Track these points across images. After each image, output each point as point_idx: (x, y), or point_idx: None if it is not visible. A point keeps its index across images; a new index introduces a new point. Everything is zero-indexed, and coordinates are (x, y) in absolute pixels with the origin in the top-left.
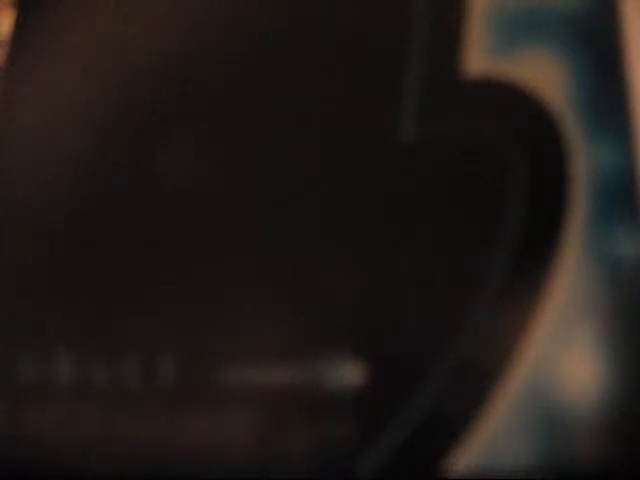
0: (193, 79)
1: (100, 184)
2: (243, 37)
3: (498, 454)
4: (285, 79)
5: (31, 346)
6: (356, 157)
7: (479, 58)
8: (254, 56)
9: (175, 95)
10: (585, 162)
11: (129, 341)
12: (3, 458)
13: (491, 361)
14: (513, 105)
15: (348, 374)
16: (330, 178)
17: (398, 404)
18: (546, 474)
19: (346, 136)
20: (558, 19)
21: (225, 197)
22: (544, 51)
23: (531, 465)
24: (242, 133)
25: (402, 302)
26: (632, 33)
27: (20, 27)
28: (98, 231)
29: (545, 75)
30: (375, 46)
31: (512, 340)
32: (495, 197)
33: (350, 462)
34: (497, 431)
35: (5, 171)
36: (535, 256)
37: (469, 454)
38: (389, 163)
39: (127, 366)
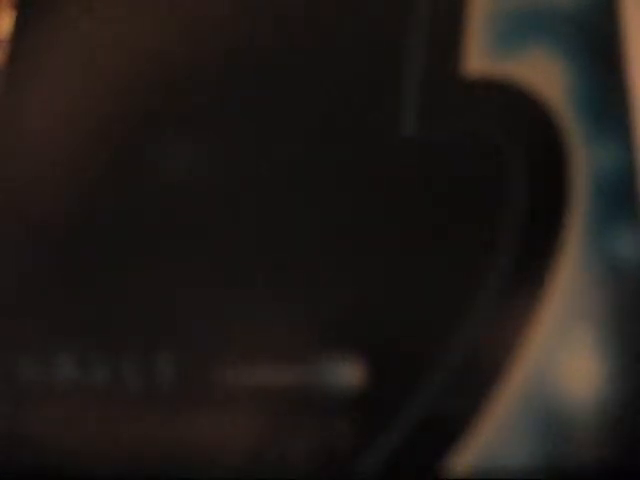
0: (194, 77)
1: (100, 184)
2: (243, 36)
3: (498, 454)
4: (286, 77)
5: (31, 346)
6: (356, 156)
7: (479, 58)
8: (255, 55)
9: (177, 93)
10: (585, 162)
11: (129, 341)
12: (4, 458)
13: (491, 361)
14: (513, 105)
15: (348, 374)
16: (330, 177)
17: (398, 404)
18: (546, 474)
19: (346, 135)
20: (558, 19)
21: (225, 197)
22: (544, 51)
23: (531, 465)
24: (242, 130)
25: (402, 302)
26: (632, 33)
27: (20, 27)
28: (98, 231)
29: (545, 75)
30: (375, 45)
31: (512, 340)
32: (495, 197)
33: (350, 462)
34: (497, 431)
35: (5, 171)
36: (535, 256)
37: (469, 454)
38: (389, 163)
39: (127, 366)
